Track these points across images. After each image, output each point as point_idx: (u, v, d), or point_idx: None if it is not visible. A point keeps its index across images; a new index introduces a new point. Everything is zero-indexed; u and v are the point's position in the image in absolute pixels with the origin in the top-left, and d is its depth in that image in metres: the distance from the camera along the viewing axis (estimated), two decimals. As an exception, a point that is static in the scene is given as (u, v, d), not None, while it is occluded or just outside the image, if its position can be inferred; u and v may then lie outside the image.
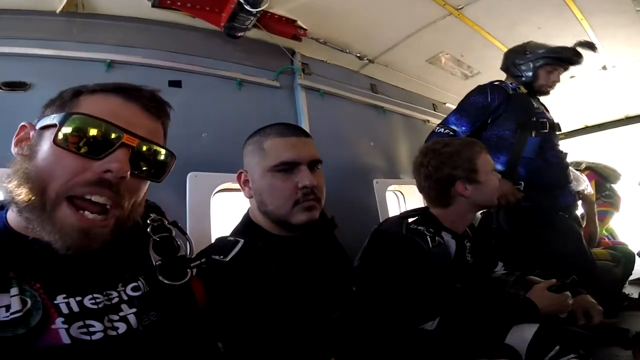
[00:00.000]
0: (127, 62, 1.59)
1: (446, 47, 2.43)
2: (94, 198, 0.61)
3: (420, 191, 1.51)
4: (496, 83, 1.98)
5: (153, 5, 1.61)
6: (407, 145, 2.71)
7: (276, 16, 1.89)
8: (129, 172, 0.63)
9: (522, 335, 1.12)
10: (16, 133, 0.67)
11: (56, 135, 0.60)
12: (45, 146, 0.62)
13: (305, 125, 2.06)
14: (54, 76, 1.40)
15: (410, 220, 1.42)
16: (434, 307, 1.18)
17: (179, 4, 1.64)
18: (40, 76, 1.39)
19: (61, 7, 1.50)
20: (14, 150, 0.66)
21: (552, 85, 2.01)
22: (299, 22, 1.99)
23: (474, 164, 1.38)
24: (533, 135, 1.84)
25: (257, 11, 1.65)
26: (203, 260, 0.93)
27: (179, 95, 1.69)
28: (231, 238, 1.02)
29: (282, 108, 2.07)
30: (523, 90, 1.98)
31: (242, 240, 0.98)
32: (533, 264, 1.58)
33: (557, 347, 1.06)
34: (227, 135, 1.69)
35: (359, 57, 2.37)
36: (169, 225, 0.87)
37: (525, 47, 1.98)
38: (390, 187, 2.44)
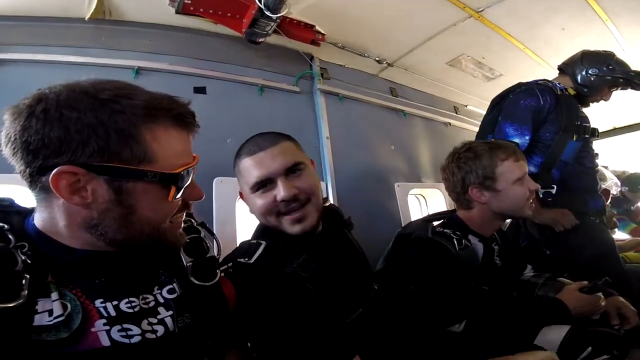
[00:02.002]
0: (154, 68, 1.69)
1: (467, 50, 2.48)
2: (180, 219, 0.78)
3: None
4: (541, 82, 1.93)
5: (177, 12, 1.70)
6: (429, 148, 2.77)
7: (295, 21, 1.97)
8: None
9: (552, 336, 1.16)
10: (54, 179, 0.59)
11: (171, 195, 0.69)
12: (149, 199, 0.67)
13: (325, 130, 2.14)
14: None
15: (435, 223, 1.45)
16: (461, 309, 1.22)
17: (201, 10, 1.73)
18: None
19: (89, 14, 1.60)
20: (70, 199, 0.61)
21: (599, 101, 2.02)
22: (318, 27, 2.06)
23: (492, 171, 1.38)
24: (574, 139, 1.81)
25: (277, 17, 1.71)
26: (230, 264, 1.00)
27: (204, 102, 1.78)
28: (254, 241, 1.08)
29: (302, 113, 2.15)
30: (571, 92, 1.95)
31: (264, 243, 1.05)
32: (562, 267, 1.59)
33: (590, 348, 1.09)
34: (251, 140, 1.76)
35: (377, 61, 2.45)
36: (197, 226, 0.94)
37: (610, 61, 1.93)
38: (412, 191, 2.50)
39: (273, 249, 1.03)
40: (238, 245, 1.13)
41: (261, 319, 0.93)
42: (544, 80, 1.96)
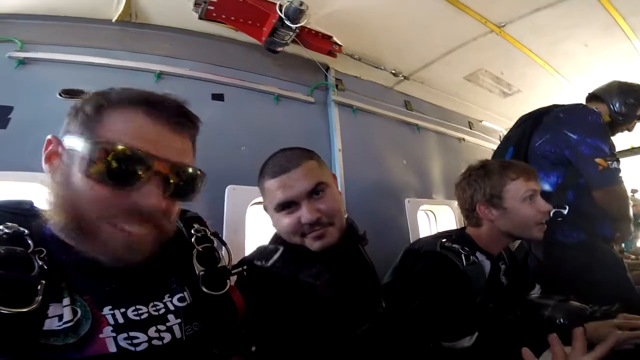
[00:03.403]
0: (175, 73, 1.75)
1: (486, 65, 2.49)
2: (128, 227, 0.66)
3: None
4: (581, 106, 1.97)
5: (200, 18, 1.76)
6: (441, 164, 2.77)
7: (313, 32, 2.01)
8: (164, 203, 0.69)
9: None
10: (44, 147, 0.69)
11: (87, 168, 0.63)
12: (77, 175, 0.64)
13: (337, 141, 2.17)
14: (107, 85, 1.51)
15: (444, 239, 1.45)
16: (467, 324, 1.23)
17: (223, 17, 1.78)
18: (95, 84, 1.48)
19: (117, 16, 1.68)
20: (45, 166, 0.68)
21: (624, 131, 2.08)
22: (335, 38, 2.10)
23: (500, 189, 1.41)
24: None
25: (296, 27, 1.76)
26: (245, 267, 1.02)
27: (221, 109, 1.82)
28: (272, 245, 1.13)
29: (316, 124, 2.19)
30: (606, 118, 1.99)
31: (282, 248, 1.10)
32: (567, 290, 1.59)
33: None
34: (265, 149, 1.78)
35: (393, 74, 2.48)
36: (211, 236, 0.95)
37: None
38: (422, 207, 2.50)
39: (290, 255, 1.08)
40: (256, 248, 1.17)
41: (269, 323, 0.97)
42: (582, 104, 2.00)
